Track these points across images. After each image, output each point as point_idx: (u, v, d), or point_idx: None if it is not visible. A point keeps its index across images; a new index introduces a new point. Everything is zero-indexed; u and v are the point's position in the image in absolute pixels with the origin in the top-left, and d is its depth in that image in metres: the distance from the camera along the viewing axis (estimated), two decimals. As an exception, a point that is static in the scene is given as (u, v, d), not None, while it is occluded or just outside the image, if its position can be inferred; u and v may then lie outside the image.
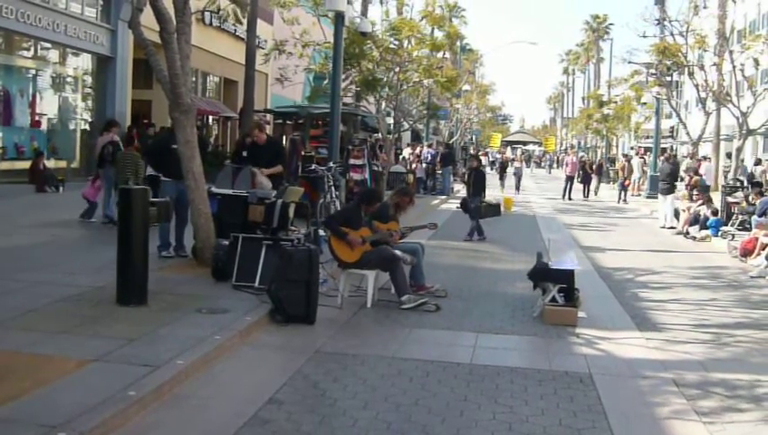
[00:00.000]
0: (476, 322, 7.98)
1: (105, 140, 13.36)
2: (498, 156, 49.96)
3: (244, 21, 24.22)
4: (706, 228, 16.55)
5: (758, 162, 25.20)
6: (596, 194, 31.44)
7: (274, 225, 9.38)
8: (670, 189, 18.74)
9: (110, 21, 21.80)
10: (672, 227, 17.93)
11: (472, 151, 36.57)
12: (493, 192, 25.83)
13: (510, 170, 33.81)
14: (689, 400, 5.71)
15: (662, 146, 35.05)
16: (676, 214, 18.37)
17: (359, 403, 5.32)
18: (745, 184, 19.93)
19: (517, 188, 30.80)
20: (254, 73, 23.41)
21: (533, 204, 25.98)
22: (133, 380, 5.08)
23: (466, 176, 16.07)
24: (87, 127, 22.57)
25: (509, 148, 70.99)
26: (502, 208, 16.42)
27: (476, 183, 14.93)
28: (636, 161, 32.32)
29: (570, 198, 28.55)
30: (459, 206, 15.37)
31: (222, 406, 5.15)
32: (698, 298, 9.92)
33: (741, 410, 5.58)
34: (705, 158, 27.25)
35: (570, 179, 29.50)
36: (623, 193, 28.28)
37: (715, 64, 25.45)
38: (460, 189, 27.40)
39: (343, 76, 17.57)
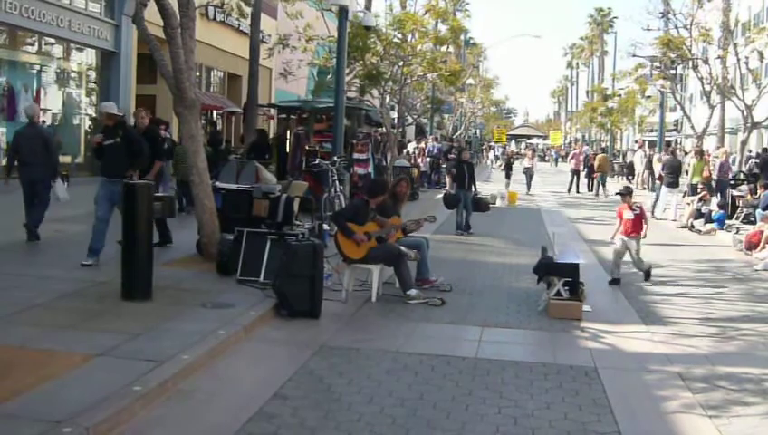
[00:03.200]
0: (481, 316, 7.97)
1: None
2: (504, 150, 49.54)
3: (248, 15, 24.13)
4: (711, 222, 16.51)
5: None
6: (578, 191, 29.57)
7: (279, 219, 9.38)
8: (674, 183, 18.71)
9: (113, 16, 21.78)
10: (674, 220, 17.89)
11: (462, 144, 34.11)
12: (498, 187, 25.87)
13: (517, 167, 32.39)
14: (695, 393, 5.70)
15: (666, 139, 34.88)
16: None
17: (364, 398, 5.32)
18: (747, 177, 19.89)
19: (528, 187, 28.40)
20: (257, 68, 23.32)
21: (538, 198, 25.92)
22: (138, 375, 5.09)
23: (454, 168, 15.87)
24: (90, 123, 22.59)
25: (513, 141, 70.74)
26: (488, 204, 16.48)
27: (470, 175, 15.01)
28: (638, 154, 32.16)
29: (578, 192, 28.42)
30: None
31: (227, 401, 5.15)
32: (704, 292, 9.90)
33: (747, 403, 5.56)
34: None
35: (575, 173, 29.35)
36: (598, 186, 27.19)
37: (719, 57, 25.34)
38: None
39: (347, 70, 17.52)
